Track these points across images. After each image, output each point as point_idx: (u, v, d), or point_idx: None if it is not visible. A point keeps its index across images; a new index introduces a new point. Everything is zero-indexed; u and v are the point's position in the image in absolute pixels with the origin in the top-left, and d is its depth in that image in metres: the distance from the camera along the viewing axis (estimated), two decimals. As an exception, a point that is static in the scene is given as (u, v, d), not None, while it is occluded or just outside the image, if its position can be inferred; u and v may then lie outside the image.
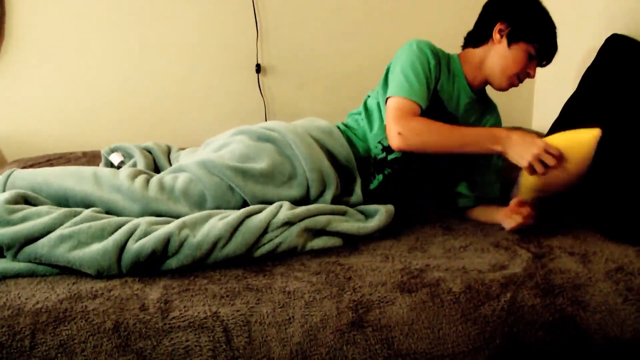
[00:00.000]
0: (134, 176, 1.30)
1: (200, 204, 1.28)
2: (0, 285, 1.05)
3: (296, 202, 1.35)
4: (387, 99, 1.42)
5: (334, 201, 1.40)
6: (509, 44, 1.41)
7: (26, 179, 1.28)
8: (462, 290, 1.07)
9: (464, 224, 1.45)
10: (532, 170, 1.25)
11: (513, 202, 1.37)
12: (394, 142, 1.36)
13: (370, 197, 1.49)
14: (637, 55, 1.56)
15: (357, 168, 1.46)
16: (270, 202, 1.32)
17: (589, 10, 2.01)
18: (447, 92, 1.48)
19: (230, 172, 1.31)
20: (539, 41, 1.40)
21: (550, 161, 1.22)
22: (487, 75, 1.47)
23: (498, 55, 1.43)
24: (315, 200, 1.38)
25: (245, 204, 1.32)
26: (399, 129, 1.34)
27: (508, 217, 1.37)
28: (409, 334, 0.99)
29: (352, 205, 1.42)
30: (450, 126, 1.34)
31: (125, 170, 1.32)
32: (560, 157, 1.23)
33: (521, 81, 1.45)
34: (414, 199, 1.61)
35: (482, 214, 1.51)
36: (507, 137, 1.27)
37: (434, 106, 1.45)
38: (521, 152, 1.24)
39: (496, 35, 1.44)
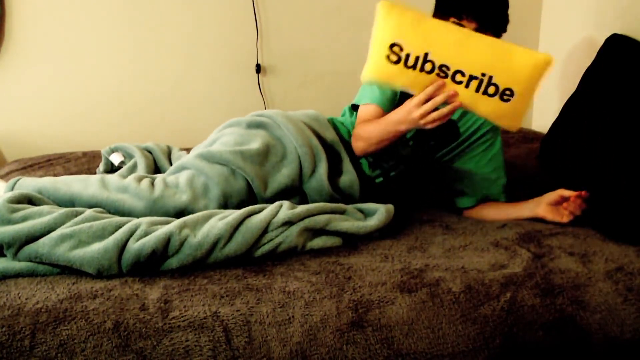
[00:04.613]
0: (140, 179, 1.34)
1: (205, 193, 1.31)
2: (0, 285, 1.05)
3: (293, 181, 1.40)
4: (354, 106, 1.56)
5: (332, 187, 1.42)
6: None
7: (32, 185, 1.32)
8: (462, 290, 1.07)
9: (463, 223, 1.45)
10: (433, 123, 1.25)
11: (554, 196, 1.39)
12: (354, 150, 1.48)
13: (375, 193, 1.52)
14: (637, 55, 1.56)
15: (344, 150, 1.51)
16: (269, 182, 1.38)
17: (590, 10, 2.01)
18: None
19: (230, 156, 1.35)
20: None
21: (430, 107, 1.21)
22: None
23: None
24: (311, 177, 1.41)
25: (248, 185, 1.35)
26: (352, 139, 1.48)
27: (557, 213, 1.39)
28: (409, 334, 0.99)
29: (347, 186, 1.45)
30: (373, 123, 1.41)
31: (131, 175, 1.37)
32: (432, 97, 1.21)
33: None
34: (415, 197, 1.63)
35: (493, 212, 1.51)
36: (404, 113, 1.29)
37: None
38: (413, 119, 1.26)
39: None
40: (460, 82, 1.21)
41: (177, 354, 0.94)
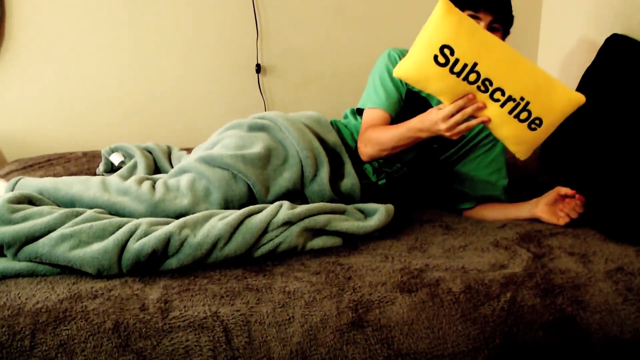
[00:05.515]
0: (141, 181, 1.34)
1: (206, 197, 1.31)
2: (0, 285, 1.05)
3: (294, 185, 1.39)
4: (358, 110, 1.55)
5: (333, 190, 1.42)
6: None
7: (33, 185, 1.32)
8: (462, 290, 1.07)
9: (463, 223, 1.45)
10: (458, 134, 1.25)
11: (552, 195, 1.40)
12: (360, 155, 1.48)
13: (376, 193, 1.52)
14: (637, 55, 1.56)
15: (346, 153, 1.51)
16: (271, 186, 1.37)
17: (590, 10, 2.01)
18: None
19: (231, 160, 1.34)
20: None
21: (459, 119, 1.21)
22: None
23: None
24: (312, 181, 1.41)
25: (249, 190, 1.35)
26: (359, 143, 1.47)
27: (553, 214, 1.39)
28: (409, 334, 0.99)
29: (349, 189, 1.45)
30: (389, 128, 1.40)
31: (132, 177, 1.37)
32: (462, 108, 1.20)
33: None
34: (416, 197, 1.63)
35: (493, 212, 1.52)
36: (429, 123, 1.28)
37: (418, 104, 1.50)
38: (439, 130, 1.26)
39: None
40: (497, 100, 1.19)
41: (177, 354, 0.94)
